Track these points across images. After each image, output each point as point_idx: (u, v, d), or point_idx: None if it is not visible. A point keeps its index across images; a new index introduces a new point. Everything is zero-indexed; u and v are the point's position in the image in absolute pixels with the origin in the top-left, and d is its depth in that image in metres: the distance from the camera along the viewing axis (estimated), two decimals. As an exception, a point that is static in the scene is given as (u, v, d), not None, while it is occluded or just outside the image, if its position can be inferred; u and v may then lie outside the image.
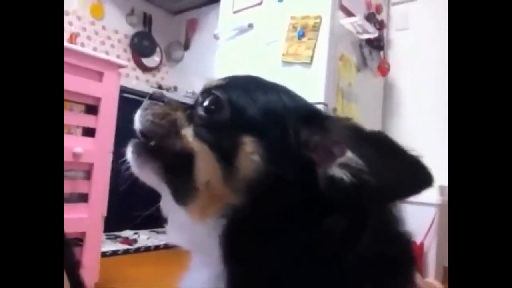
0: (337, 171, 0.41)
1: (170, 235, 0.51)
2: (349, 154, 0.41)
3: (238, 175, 0.44)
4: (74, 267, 0.72)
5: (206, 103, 0.49)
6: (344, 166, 0.40)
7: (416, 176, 0.40)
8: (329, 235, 0.40)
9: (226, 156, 0.45)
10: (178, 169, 0.48)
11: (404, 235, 0.45)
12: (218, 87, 0.50)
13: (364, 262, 0.40)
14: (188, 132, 0.49)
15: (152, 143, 0.50)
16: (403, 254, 0.44)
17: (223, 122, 0.47)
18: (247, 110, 0.47)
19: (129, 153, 0.52)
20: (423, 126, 2.16)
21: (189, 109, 0.52)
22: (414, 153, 0.39)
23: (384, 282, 0.41)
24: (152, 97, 0.54)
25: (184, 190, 0.47)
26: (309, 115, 0.47)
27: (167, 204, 0.50)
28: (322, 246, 0.40)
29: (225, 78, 0.52)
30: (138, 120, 0.52)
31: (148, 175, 0.50)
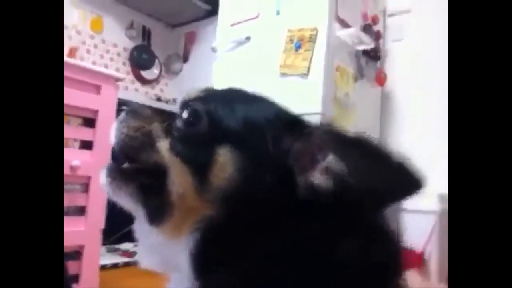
0: (318, 178, 0.40)
1: (141, 257, 0.51)
2: (330, 158, 0.40)
3: (212, 187, 0.43)
4: (67, 282, 0.72)
5: (184, 116, 0.48)
6: (326, 170, 0.40)
7: (402, 180, 0.38)
8: (309, 240, 0.40)
9: (200, 168, 0.44)
10: (152, 187, 0.47)
11: (390, 241, 0.44)
12: (197, 99, 0.50)
13: (346, 268, 0.39)
14: (163, 145, 0.48)
15: (126, 165, 0.50)
16: (389, 260, 0.43)
17: (200, 134, 0.47)
18: (225, 121, 0.46)
19: (103, 178, 0.51)
20: (421, 135, 2.17)
21: (167, 121, 0.51)
22: (399, 156, 0.38)
23: None
24: (129, 110, 0.53)
25: (158, 210, 0.46)
26: (289, 123, 0.46)
27: (140, 226, 0.49)
28: (302, 254, 0.40)
29: (205, 91, 0.52)
30: (114, 133, 0.51)
31: (123, 198, 0.49)
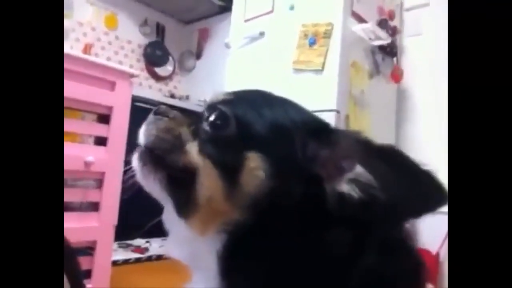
0: (345, 187, 0.39)
1: (170, 248, 0.51)
2: (358, 169, 0.39)
3: (241, 192, 0.43)
4: (78, 277, 0.72)
5: (212, 118, 0.48)
6: (353, 181, 0.39)
7: (429, 194, 0.38)
8: (333, 249, 0.39)
9: (230, 172, 0.44)
10: (181, 182, 0.47)
11: (413, 253, 0.43)
12: (224, 102, 0.49)
13: (368, 279, 0.38)
14: (192, 148, 0.48)
15: (158, 152, 0.50)
16: (410, 273, 0.42)
17: (228, 138, 0.46)
18: (253, 126, 0.46)
19: (135, 161, 0.51)
20: (437, 133, 2.12)
21: (194, 124, 0.51)
22: (427, 168, 0.37)
23: None
24: (157, 112, 0.53)
25: (186, 203, 0.46)
26: (316, 129, 0.46)
27: (169, 216, 0.49)
28: (326, 261, 0.39)
29: (232, 93, 0.52)
30: (143, 135, 0.51)
31: (152, 185, 0.50)
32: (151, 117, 0.53)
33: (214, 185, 0.44)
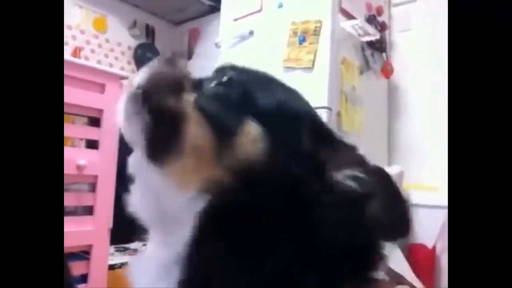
0: (343, 178, 0.40)
1: (133, 201, 0.46)
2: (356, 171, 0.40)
3: (233, 153, 0.41)
4: (68, 284, 0.71)
5: (217, 79, 0.47)
6: (351, 177, 0.40)
7: (399, 223, 0.40)
8: (319, 230, 0.39)
9: (223, 131, 0.42)
10: (164, 128, 0.44)
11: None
12: (235, 68, 0.48)
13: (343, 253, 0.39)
14: (188, 97, 0.46)
15: (152, 90, 0.46)
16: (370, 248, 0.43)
17: (231, 99, 0.45)
18: (259, 98, 0.45)
19: (123, 100, 0.48)
20: (429, 127, 2.14)
21: (198, 82, 0.49)
22: (408, 201, 0.39)
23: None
24: (166, 58, 0.52)
25: (164, 148, 0.42)
26: (324, 129, 0.47)
27: (138, 161, 0.45)
28: (306, 240, 0.39)
29: (243, 66, 0.51)
30: (143, 72, 0.48)
31: (132, 127, 0.46)
32: (158, 59, 0.51)
33: (203, 136, 0.42)
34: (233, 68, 0.49)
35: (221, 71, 0.48)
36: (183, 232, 0.40)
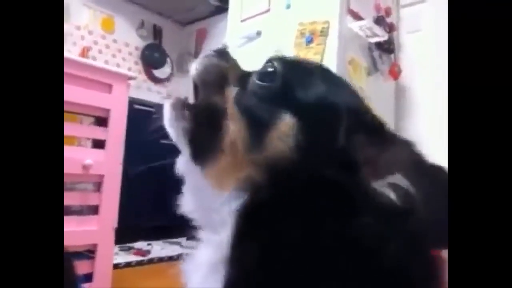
0: (383, 188, 0.37)
1: (184, 201, 0.49)
2: (400, 177, 0.37)
3: (266, 150, 0.41)
4: (73, 283, 0.71)
5: (261, 70, 0.47)
6: (392, 186, 0.37)
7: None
8: (355, 240, 0.37)
9: (259, 126, 0.43)
10: (206, 127, 0.46)
11: (428, 251, 0.40)
12: (281, 60, 0.48)
13: (384, 274, 0.36)
14: (230, 92, 0.48)
15: (190, 101, 0.51)
16: (425, 271, 0.39)
17: (270, 93, 0.45)
18: (299, 90, 0.44)
19: (167, 106, 0.51)
20: (436, 130, 2.11)
21: (247, 73, 0.51)
22: None
23: None
24: (217, 50, 0.54)
25: (205, 149, 0.45)
26: (370, 124, 0.44)
27: (185, 164, 0.48)
28: (346, 250, 0.37)
29: (294, 57, 0.52)
30: (194, 67, 0.52)
31: (176, 130, 0.49)
32: (209, 52, 0.54)
33: (239, 133, 0.43)
34: (279, 59, 0.48)
35: (268, 62, 0.48)
36: (226, 231, 0.40)
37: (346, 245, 0.37)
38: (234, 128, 0.44)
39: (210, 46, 3.58)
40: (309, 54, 1.86)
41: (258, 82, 0.47)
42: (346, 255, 0.37)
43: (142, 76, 3.58)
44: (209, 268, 0.41)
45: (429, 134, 2.14)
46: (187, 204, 0.48)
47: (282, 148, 0.41)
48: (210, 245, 0.43)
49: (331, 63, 1.79)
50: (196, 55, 3.73)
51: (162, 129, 0.51)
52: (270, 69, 0.47)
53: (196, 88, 0.52)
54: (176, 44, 3.80)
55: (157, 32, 3.68)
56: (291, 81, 0.45)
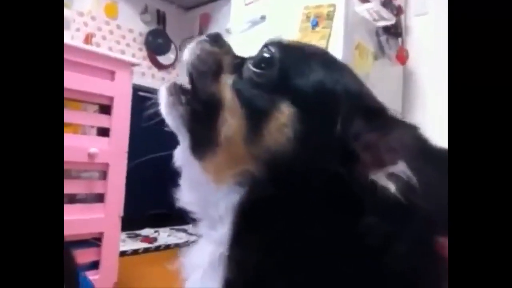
0: (383, 180, 0.35)
1: (182, 193, 0.48)
2: (402, 166, 0.34)
3: (263, 142, 0.39)
4: (72, 274, 0.71)
5: (257, 56, 0.45)
6: (393, 176, 0.35)
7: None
8: (361, 237, 0.35)
9: (256, 116, 0.41)
10: (203, 117, 0.45)
11: (437, 249, 0.38)
12: (278, 44, 0.46)
13: (393, 275, 0.35)
14: (226, 79, 0.46)
15: (187, 86, 0.49)
16: (435, 269, 0.37)
17: (267, 80, 0.43)
18: (296, 77, 0.42)
19: (163, 91, 0.49)
20: (445, 115, 2.08)
21: (241, 60, 0.48)
22: None
23: None
24: (211, 35, 0.52)
25: (203, 142, 0.43)
26: (370, 108, 0.41)
27: (183, 155, 0.47)
28: (349, 247, 0.35)
29: (293, 41, 0.48)
30: (187, 52, 0.50)
31: (173, 117, 0.47)
32: (202, 37, 0.52)
33: (237, 124, 0.42)
34: (276, 44, 0.45)
35: (265, 47, 0.46)
36: (224, 227, 0.39)
37: (346, 241, 0.36)
38: (231, 119, 0.42)
39: (214, 30, 3.54)
40: (315, 38, 1.82)
41: (254, 69, 0.44)
42: (347, 252, 0.36)
43: (147, 63, 3.55)
44: (208, 265, 0.40)
45: (437, 119, 2.11)
46: (185, 197, 0.47)
47: (280, 140, 0.39)
48: (209, 241, 0.42)
49: (337, 47, 1.76)
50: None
51: (158, 115, 0.49)
52: (266, 55, 0.44)
53: (191, 74, 0.49)
54: (180, 29, 3.76)
55: (160, 17, 3.64)
56: (289, 67, 0.43)
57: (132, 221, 2.12)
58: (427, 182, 0.33)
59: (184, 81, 0.51)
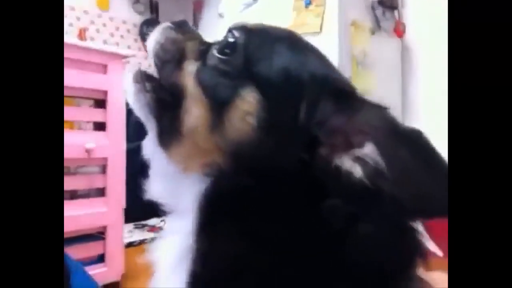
0: (348, 164, 0.34)
1: (151, 184, 0.47)
2: (369, 148, 0.33)
3: (226, 132, 0.38)
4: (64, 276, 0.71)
5: (221, 42, 0.44)
6: (359, 160, 0.33)
7: (435, 199, 0.32)
8: (325, 220, 0.34)
9: (219, 106, 0.39)
10: (168, 106, 0.43)
11: (411, 228, 0.37)
12: (242, 28, 0.44)
13: (362, 256, 0.34)
14: (190, 67, 0.44)
15: (152, 72, 0.47)
16: (408, 249, 0.37)
17: (231, 67, 0.41)
18: (260, 63, 0.40)
19: (129, 80, 0.48)
20: (445, 87, 2.05)
21: (206, 46, 0.46)
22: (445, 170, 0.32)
23: (387, 279, 0.35)
24: (175, 22, 0.50)
25: (169, 131, 0.42)
26: (337, 90, 0.39)
27: (151, 144, 0.46)
28: (315, 232, 0.35)
29: (258, 24, 0.46)
30: (151, 39, 0.48)
31: (140, 106, 0.46)
32: (166, 24, 0.50)
33: (199, 114, 0.41)
34: (241, 28, 0.44)
35: (229, 32, 0.44)
36: (191, 218, 0.38)
37: (312, 227, 0.35)
38: (193, 108, 0.41)
39: (207, 16, 3.49)
40: (309, 17, 1.79)
41: (218, 55, 0.43)
42: (313, 237, 0.35)
43: (142, 53, 3.52)
44: (176, 258, 0.39)
45: (437, 92, 2.08)
46: (154, 188, 0.46)
47: (244, 129, 0.38)
48: (178, 233, 0.41)
49: (332, 25, 1.73)
50: (194, 26, 3.64)
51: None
52: (230, 40, 0.43)
53: (156, 63, 0.48)
54: (174, 17, 3.68)
55: (153, 7, 3.59)
56: (253, 52, 0.41)
57: (138, 212, 2.14)
58: (397, 164, 0.32)
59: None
